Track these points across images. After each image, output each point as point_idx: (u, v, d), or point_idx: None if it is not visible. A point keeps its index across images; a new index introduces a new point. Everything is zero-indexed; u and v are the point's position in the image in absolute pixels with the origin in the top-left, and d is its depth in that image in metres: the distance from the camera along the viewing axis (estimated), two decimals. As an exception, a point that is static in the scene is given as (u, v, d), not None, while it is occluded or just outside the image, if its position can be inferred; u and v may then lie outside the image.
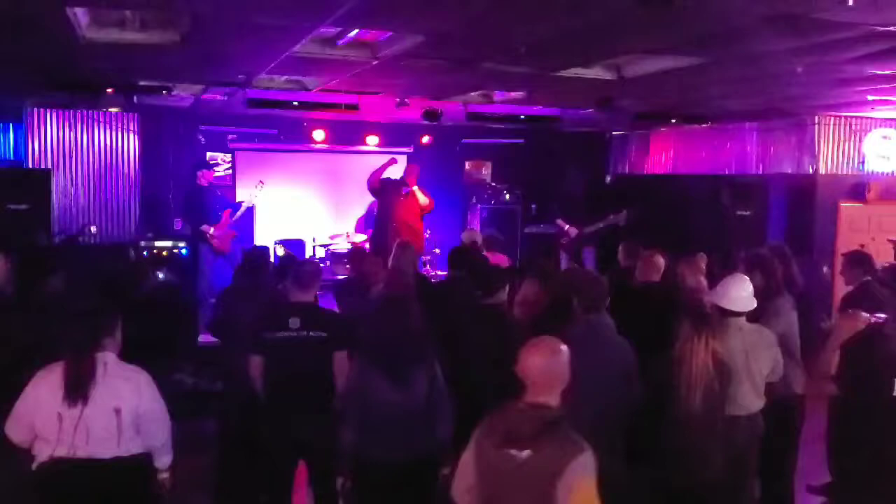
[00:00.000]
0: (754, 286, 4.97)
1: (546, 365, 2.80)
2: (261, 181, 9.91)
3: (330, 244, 10.77)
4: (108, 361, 3.51)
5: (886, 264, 6.39)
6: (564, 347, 2.89)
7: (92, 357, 3.47)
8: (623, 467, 3.80)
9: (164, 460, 3.71)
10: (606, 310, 4.28)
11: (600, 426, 3.51)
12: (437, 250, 11.08)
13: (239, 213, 9.75)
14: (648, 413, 3.94)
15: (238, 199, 9.99)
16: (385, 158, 9.89)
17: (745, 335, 4.33)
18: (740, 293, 4.38)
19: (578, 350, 4.05)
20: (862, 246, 6.55)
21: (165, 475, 3.72)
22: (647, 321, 4.33)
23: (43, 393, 3.45)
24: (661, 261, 5.76)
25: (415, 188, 9.39)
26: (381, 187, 9.52)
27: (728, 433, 3.96)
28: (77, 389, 3.40)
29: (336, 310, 5.77)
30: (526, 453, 2.68)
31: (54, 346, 3.63)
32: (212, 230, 9.48)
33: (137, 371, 3.59)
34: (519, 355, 2.87)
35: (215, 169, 10.73)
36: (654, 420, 3.91)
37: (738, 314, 4.35)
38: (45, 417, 3.43)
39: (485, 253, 7.21)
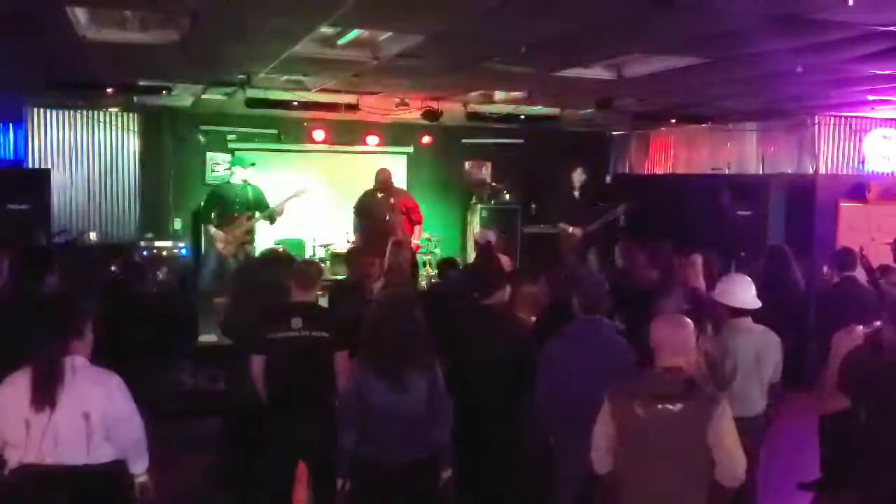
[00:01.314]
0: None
1: (673, 334, 3.29)
2: (301, 190, 9.61)
3: (330, 244, 10.76)
4: (77, 365, 3.39)
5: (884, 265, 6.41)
6: (688, 320, 3.39)
7: (59, 361, 3.36)
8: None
9: (138, 466, 3.58)
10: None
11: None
12: (438, 250, 11.06)
13: (288, 199, 9.48)
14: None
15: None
16: (383, 159, 9.89)
17: (755, 336, 4.31)
18: (747, 292, 4.37)
19: (577, 348, 4.09)
20: (861, 248, 6.53)
21: (143, 479, 3.60)
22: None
23: (10, 398, 3.35)
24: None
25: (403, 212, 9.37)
26: (362, 211, 9.50)
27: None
28: (44, 394, 3.30)
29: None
30: (679, 406, 3.18)
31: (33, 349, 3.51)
32: (216, 231, 9.25)
33: (108, 374, 3.48)
34: (650, 329, 3.36)
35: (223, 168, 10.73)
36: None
37: (746, 313, 4.34)
38: (13, 423, 3.33)
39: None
